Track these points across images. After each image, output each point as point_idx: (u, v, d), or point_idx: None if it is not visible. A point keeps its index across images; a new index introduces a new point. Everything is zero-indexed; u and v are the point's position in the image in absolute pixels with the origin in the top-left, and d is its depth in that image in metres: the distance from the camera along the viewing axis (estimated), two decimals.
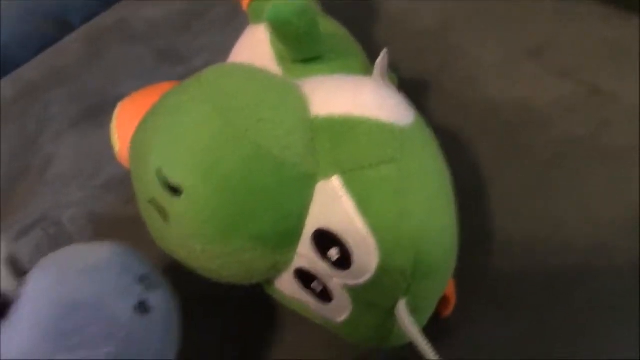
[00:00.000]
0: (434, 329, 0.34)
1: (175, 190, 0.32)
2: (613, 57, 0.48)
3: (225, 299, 0.40)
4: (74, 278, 0.31)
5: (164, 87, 0.38)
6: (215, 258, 0.33)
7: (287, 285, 0.36)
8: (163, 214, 0.33)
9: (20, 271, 0.32)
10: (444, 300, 0.37)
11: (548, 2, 0.52)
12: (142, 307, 0.32)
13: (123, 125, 0.42)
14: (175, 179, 0.32)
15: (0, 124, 0.60)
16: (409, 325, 0.33)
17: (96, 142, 0.55)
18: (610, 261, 0.39)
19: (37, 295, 0.30)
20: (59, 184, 0.54)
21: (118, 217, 0.51)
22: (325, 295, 0.34)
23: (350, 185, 0.32)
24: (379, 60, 0.38)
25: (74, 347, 0.29)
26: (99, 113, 0.57)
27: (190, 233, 0.33)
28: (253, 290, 0.37)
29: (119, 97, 0.43)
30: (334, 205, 0.32)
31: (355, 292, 0.33)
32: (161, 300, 0.33)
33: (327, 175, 0.33)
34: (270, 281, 0.37)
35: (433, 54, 0.51)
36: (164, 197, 0.33)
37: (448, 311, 0.37)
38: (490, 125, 0.46)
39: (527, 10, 0.52)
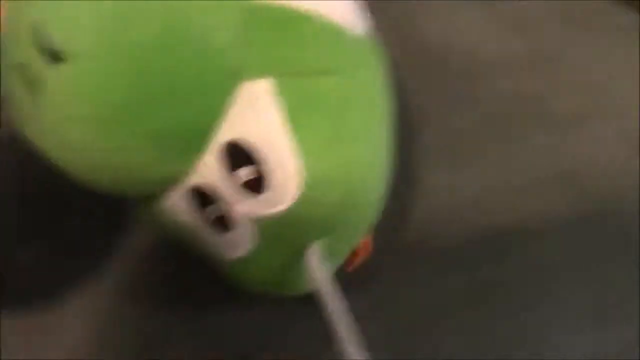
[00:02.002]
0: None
1: (55, 56, 0.24)
2: (568, 24, 0.45)
3: None
4: None
5: None
6: (94, 154, 0.26)
7: (176, 206, 0.29)
8: (34, 85, 0.25)
9: None
10: (356, 250, 0.31)
11: None
12: None
13: None
14: (59, 40, 0.24)
15: None
16: (320, 272, 0.27)
17: None
18: (539, 226, 0.36)
19: None
20: None
21: None
22: (222, 224, 0.28)
23: (283, 92, 0.26)
24: None
25: None
26: None
27: (68, 114, 0.25)
28: None
29: None
30: (257, 113, 0.26)
31: (263, 224, 0.27)
32: None
33: (256, 75, 0.26)
34: (154, 197, 0.30)
35: None
36: (39, 65, 0.25)
37: (356, 264, 0.32)
38: (429, 67, 0.42)
39: None
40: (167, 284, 0.35)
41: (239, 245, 0.28)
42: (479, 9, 0.45)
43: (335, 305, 0.27)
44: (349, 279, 0.30)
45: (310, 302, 0.28)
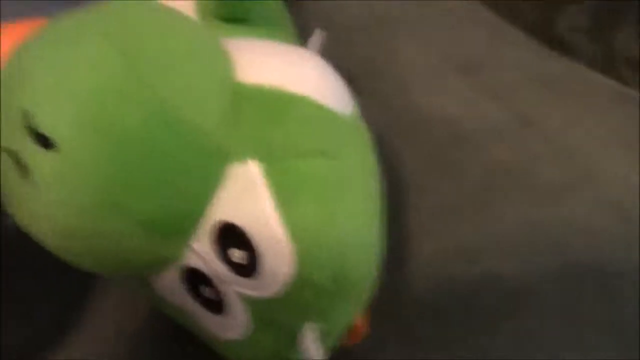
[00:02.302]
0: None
1: (45, 142, 0.24)
2: (545, 90, 0.46)
3: None
4: None
5: None
6: (82, 238, 0.26)
7: (168, 286, 0.28)
8: (23, 170, 0.25)
9: None
10: (352, 328, 0.31)
11: (486, 23, 0.49)
12: None
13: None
14: (47, 128, 0.24)
15: None
16: (315, 354, 0.27)
17: None
18: (527, 299, 0.36)
19: None
20: None
21: None
22: (215, 305, 0.27)
23: (272, 175, 0.26)
24: (313, 39, 0.33)
25: None
26: None
27: (56, 199, 0.25)
28: None
29: None
30: (247, 196, 0.26)
31: (255, 307, 0.26)
32: None
33: (244, 157, 0.26)
34: (147, 279, 0.29)
35: (362, 50, 0.46)
36: (29, 149, 0.25)
37: (355, 341, 0.31)
38: (416, 137, 0.42)
39: (464, 25, 0.48)
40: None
41: (232, 327, 0.27)
42: (462, 79, 0.46)
43: None
44: (345, 358, 0.29)
45: None
